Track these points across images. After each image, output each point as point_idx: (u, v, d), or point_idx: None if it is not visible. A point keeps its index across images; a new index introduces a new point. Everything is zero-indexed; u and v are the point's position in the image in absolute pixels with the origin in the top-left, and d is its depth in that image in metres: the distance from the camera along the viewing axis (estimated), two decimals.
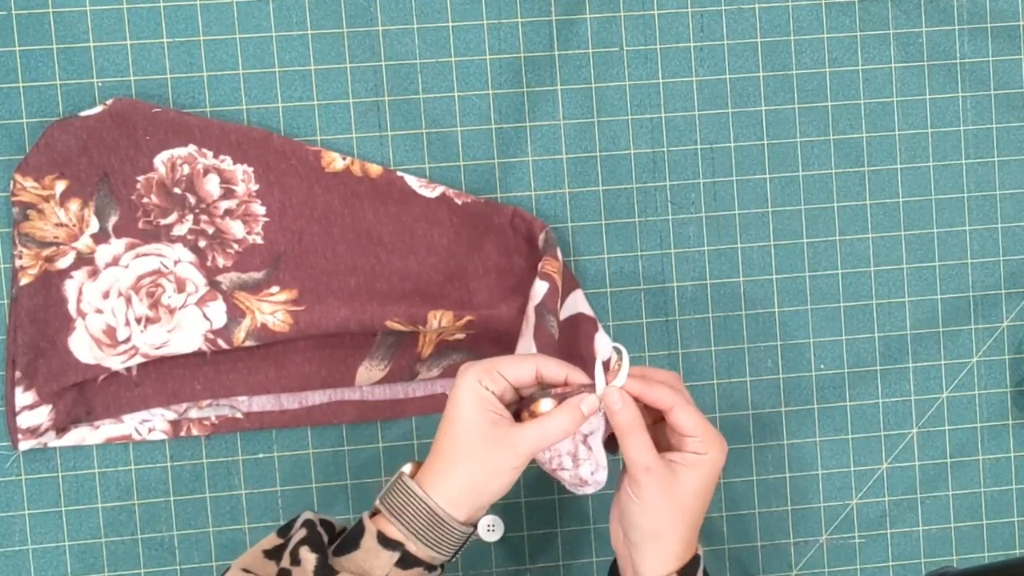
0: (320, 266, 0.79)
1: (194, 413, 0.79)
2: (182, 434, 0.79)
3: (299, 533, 0.64)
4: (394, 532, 0.63)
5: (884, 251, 0.84)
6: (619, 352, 0.66)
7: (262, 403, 0.80)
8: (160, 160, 0.77)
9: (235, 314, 0.77)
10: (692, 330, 0.83)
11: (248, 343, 0.77)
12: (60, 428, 0.78)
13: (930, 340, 0.84)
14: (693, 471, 0.65)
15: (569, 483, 0.68)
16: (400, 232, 0.79)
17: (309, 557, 0.62)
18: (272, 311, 0.78)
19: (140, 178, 0.77)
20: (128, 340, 0.77)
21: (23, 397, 0.77)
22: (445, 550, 0.63)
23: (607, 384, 0.65)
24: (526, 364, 0.66)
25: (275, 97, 0.79)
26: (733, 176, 0.82)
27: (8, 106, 0.78)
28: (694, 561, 0.66)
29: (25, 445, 0.77)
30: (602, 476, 0.68)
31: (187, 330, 0.77)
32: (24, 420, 0.77)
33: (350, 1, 0.79)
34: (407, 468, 0.65)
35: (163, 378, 0.78)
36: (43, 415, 0.77)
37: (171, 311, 0.77)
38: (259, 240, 0.78)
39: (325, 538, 0.64)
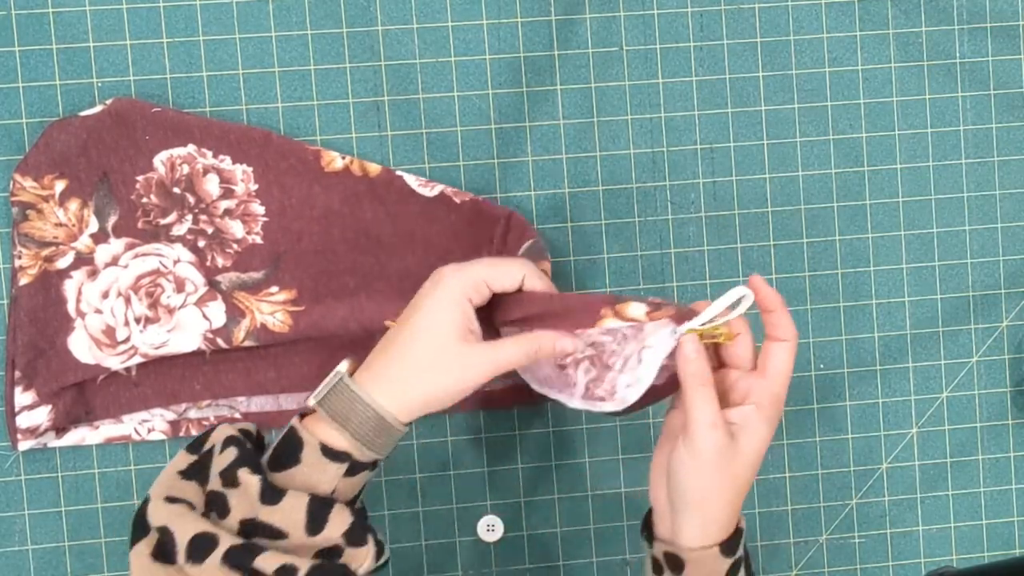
0: (319, 266, 0.79)
1: (193, 413, 0.79)
2: (181, 434, 0.79)
3: (228, 453, 0.59)
4: (339, 442, 0.59)
5: (884, 251, 0.84)
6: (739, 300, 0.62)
7: (261, 403, 0.80)
8: (159, 160, 0.77)
9: (234, 314, 0.77)
10: None
11: (248, 343, 0.77)
12: (59, 428, 0.78)
13: (930, 340, 0.84)
14: (752, 435, 0.62)
15: (584, 391, 0.65)
16: (399, 232, 0.79)
17: (251, 480, 0.57)
18: (272, 311, 0.78)
19: (139, 178, 0.77)
20: (127, 340, 0.77)
21: (22, 397, 0.77)
22: (385, 452, 0.61)
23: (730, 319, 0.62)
24: (514, 272, 0.63)
25: (275, 97, 0.79)
26: (733, 176, 0.82)
27: (8, 106, 0.78)
28: (737, 534, 0.63)
29: (24, 445, 0.77)
30: (633, 395, 0.64)
31: (186, 330, 0.77)
32: (23, 420, 0.77)
33: (350, 1, 0.79)
34: (345, 367, 0.61)
35: (163, 378, 0.78)
36: (42, 415, 0.77)
37: (170, 311, 0.77)
38: (258, 240, 0.78)
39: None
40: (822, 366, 0.84)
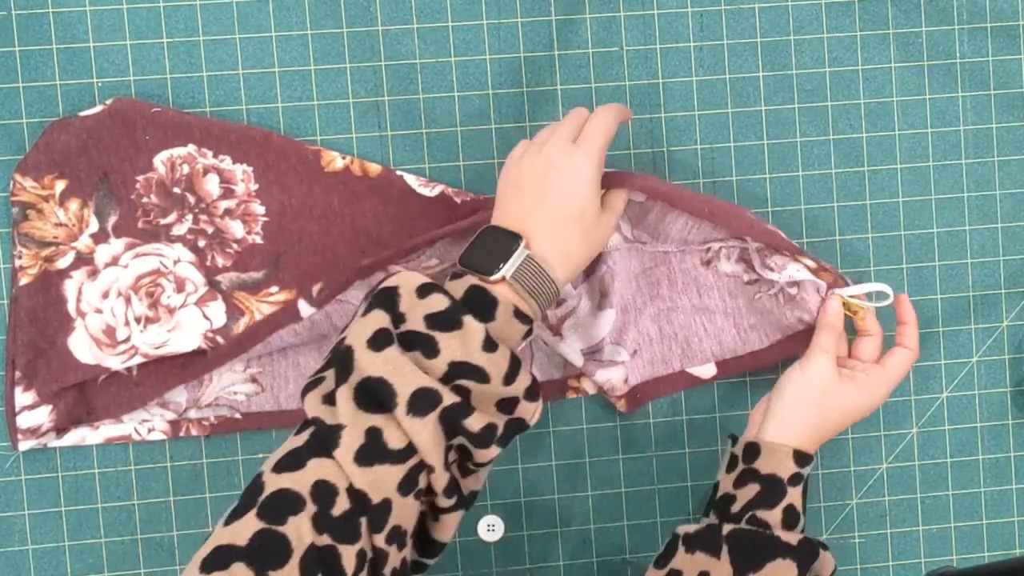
0: (319, 266, 0.79)
1: (193, 413, 0.79)
2: (181, 434, 0.79)
3: (435, 299, 0.61)
4: (527, 308, 0.64)
5: (884, 251, 0.84)
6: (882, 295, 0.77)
7: (261, 403, 0.80)
8: (160, 160, 0.77)
9: (234, 313, 0.78)
10: None
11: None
12: (60, 428, 0.78)
13: (930, 340, 0.84)
14: (855, 390, 0.73)
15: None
16: (399, 231, 0.79)
17: (476, 327, 0.60)
18: (271, 311, 0.78)
19: (140, 178, 0.77)
20: (128, 340, 0.77)
21: (23, 397, 0.77)
22: (542, 315, 0.67)
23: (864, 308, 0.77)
24: (611, 124, 0.69)
25: (275, 97, 0.79)
26: (733, 176, 0.82)
27: (8, 106, 0.78)
28: (810, 458, 0.71)
29: (25, 445, 0.77)
30: (755, 338, 0.82)
31: (187, 330, 0.77)
32: (24, 420, 0.77)
33: (350, 1, 0.79)
34: (522, 243, 0.65)
35: (163, 378, 0.78)
36: (43, 415, 0.77)
37: (170, 311, 0.77)
38: (258, 240, 0.78)
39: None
40: None
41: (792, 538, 0.68)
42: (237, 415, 0.79)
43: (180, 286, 0.78)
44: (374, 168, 0.79)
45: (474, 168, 0.81)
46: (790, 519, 0.70)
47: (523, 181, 0.67)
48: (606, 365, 0.79)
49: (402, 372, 0.58)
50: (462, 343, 0.60)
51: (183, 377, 0.77)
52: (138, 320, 0.77)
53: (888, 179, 0.84)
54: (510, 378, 0.61)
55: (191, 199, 0.78)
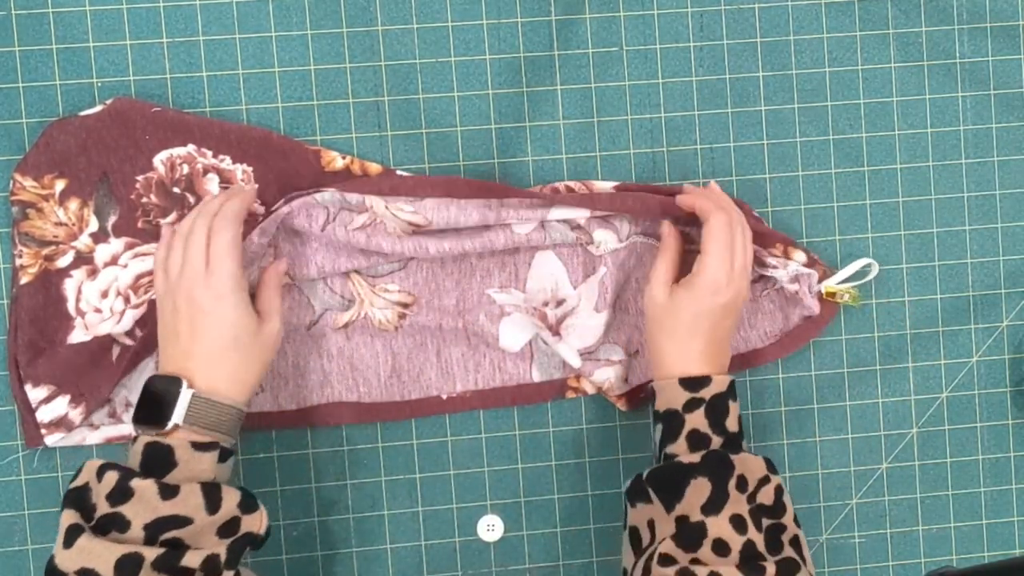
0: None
1: None
2: None
3: (109, 477, 0.65)
4: (204, 436, 0.68)
5: (884, 251, 0.84)
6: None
7: (260, 403, 0.80)
8: (159, 160, 0.77)
9: None
10: None
11: None
12: (89, 414, 0.77)
13: (930, 340, 0.84)
14: (685, 292, 0.73)
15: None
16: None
17: (146, 484, 0.64)
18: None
19: (139, 177, 0.77)
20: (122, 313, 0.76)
21: (36, 392, 0.76)
22: (237, 433, 0.71)
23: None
24: (234, 235, 0.70)
25: (275, 97, 0.79)
26: (733, 176, 0.82)
27: (8, 106, 0.78)
28: (698, 379, 0.72)
29: (53, 439, 0.76)
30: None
31: None
32: (45, 414, 0.76)
33: (350, 1, 0.79)
34: (186, 384, 0.68)
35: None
36: (63, 405, 0.76)
37: None
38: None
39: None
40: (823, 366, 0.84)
41: (695, 457, 0.69)
42: None
43: None
44: (374, 168, 0.79)
45: (474, 168, 0.81)
46: (695, 442, 0.71)
47: (176, 326, 0.70)
48: (602, 364, 0.79)
49: (97, 554, 0.62)
50: (142, 506, 0.64)
51: None
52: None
53: (888, 179, 0.84)
54: (213, 507, 0.65)
55: (191, 199, 0.78)
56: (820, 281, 0.80)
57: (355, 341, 0.80)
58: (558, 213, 0.77)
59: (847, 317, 0.84)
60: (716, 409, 0.72)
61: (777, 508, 0.70)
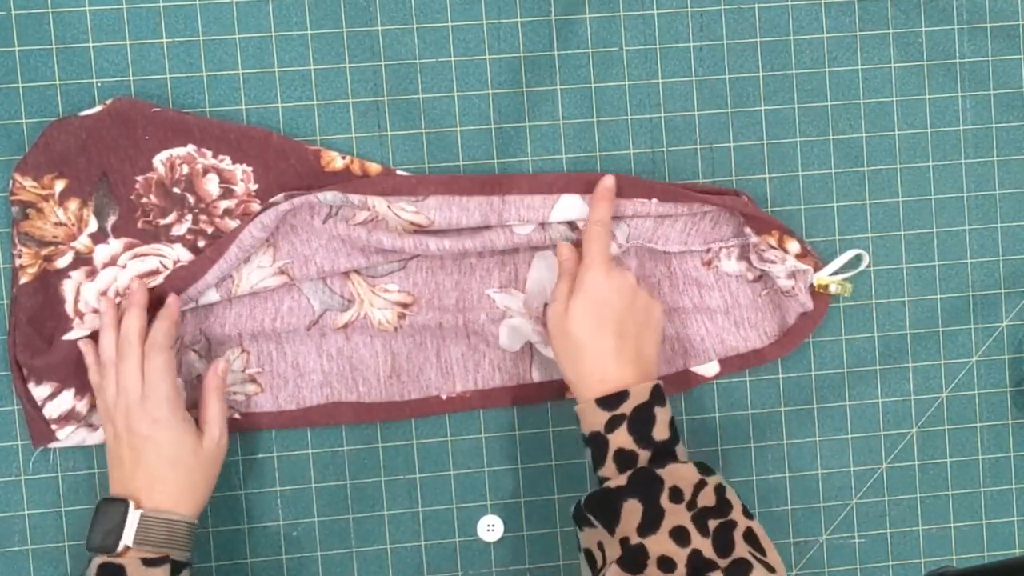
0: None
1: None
2: None
3: None
4: (156, 554, 0.70)
5: (884, 251, 0.84)
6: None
7: (260, 403, 0.80)
8: (159, 160, 0.77)
9: None
10: None
11: None
12: (94, 404, 0.76)
13: (930, 340, 0.84)
14: (577, 308, 0.73)
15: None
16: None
17: None
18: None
19: (139, 178, 0.77)
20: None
21: (39, 390, 0.76)
22: (191, 544, 0.73)
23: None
24: (168, 334, 0.73)
25: (275, 97, 0.79)
26: (733, 176, 0.82)
27: (8, 106, 0.77)
28: (612, 398, 0.71)
29: (65, 433, 0.76)
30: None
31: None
32: (52, 410, 0.76)
33: (350, 1, 0.79)
34: (133, 506, 0.70)
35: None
36: (69, 399, 0.76)
37: None
38: None
39: None
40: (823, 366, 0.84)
41: (622, 480, 0.69)
42: (236, 415, 0.79)
43: None
44: (374, 168, 0.79)
45: (474, 168, 0.81)
46: (622, 462, 0.70)
47: (118, 452, 0.72)
48: None
49: None
50: None
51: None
52: None
53: (888, 179, 0.84)
54: None
55: (191, 199, 0.78)
56: (814, 272, 0.80)
57: (355, 341, 0.80)
58: (559, 214, 0.77)
59: (847, 317, 0.84)
60: (640, 422, 0.71)
61: (722, 507, 0.69)
